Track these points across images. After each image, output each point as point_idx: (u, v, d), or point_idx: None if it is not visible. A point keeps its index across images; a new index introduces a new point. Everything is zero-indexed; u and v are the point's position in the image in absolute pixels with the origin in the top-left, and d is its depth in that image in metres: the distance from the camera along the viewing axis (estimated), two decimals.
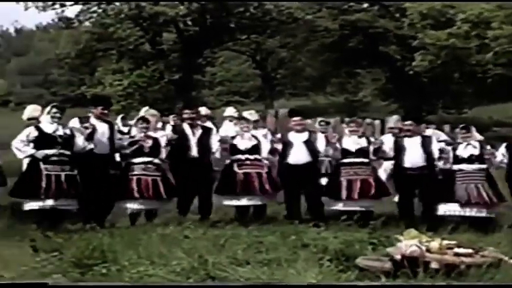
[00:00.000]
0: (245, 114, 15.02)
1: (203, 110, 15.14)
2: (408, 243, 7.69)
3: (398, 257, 7.53)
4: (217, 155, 12.01)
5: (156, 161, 11.48)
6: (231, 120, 15.14)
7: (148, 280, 7.06)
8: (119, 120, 14.17)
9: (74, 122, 11.27)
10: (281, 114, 18.57)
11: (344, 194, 11.55)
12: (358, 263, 7.59)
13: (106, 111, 11.46)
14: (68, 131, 10.87)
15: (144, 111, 13.84)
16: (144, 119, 11.87)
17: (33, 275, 7.28)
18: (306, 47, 41.01)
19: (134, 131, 11.93)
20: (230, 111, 15.87)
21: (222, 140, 12.02)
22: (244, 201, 11.63)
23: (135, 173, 11.26)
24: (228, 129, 14.18)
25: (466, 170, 11.52)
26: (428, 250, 7.63)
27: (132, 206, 11.26)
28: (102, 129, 11.22)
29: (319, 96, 49.50)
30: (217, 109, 30.76)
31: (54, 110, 10.93)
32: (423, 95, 35.70)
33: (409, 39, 33.54)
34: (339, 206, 11.63)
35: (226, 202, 11.79)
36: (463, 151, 11.66)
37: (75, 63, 43.21)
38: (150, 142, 11.50)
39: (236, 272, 7.21)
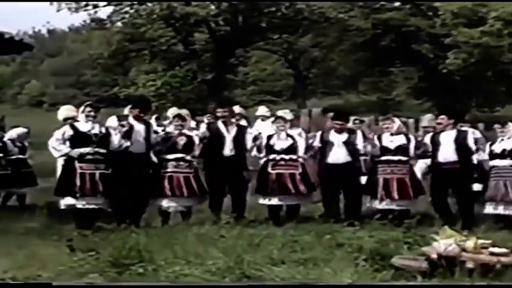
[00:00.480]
0: (280, 113, 15.01)
1: (237, 109, 15.16)
2: (444, 242, 7.64)
3: (434, 256, 7.49)
4: (252, 153, 11.99)
5: (188, 158, 11.45)
6: (263, 120, 15.14)
7: (184, 280, 7.10)
8: (153, 120, 14.21)
9: (112, 121, 11.23)
10: (314, 114, 18.45)
11: (381, 192, 11.52)
12: (393, 263, 7.56)
13: (143, 114, 11.42)
14: (103, 130, 10.89)
15: (170, 112, 13.88)
16: (180, 117, 11.86)
17: (70, 274, 7.33)
18: (338, 46, 40.93)
19: (170, 128, 11.92)
20: (262, 110, 15.88)
21: (256, 138, 12.01)
22: (275, 201, 11.58)
23: (168, 170, 11.27)
24: (260, 128, 14.18)
25: (498, 165, 11.41)
26: (463, 249, 7.58)
27: (165, 204, 11.26)
28: (139, 128, 11.18)
29: (351, 95, 49.36)
30: (249, 108, 30.72)
31: (89, 108, 10.95)
32: (456, 93, 35.44)
33: (442, 38, 33.36)
34: (377, 205, 11.59)
35: (261, 201, 11.78)
36: (497, 146, 11.54)
37: (108, 64, 43.46)
38: (184, 139, 11.48)
39: (272, 272, 7.22)
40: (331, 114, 13.20)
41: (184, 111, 13.57)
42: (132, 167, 10.93)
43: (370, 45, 38.67)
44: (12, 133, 15.59)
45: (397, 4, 39.12)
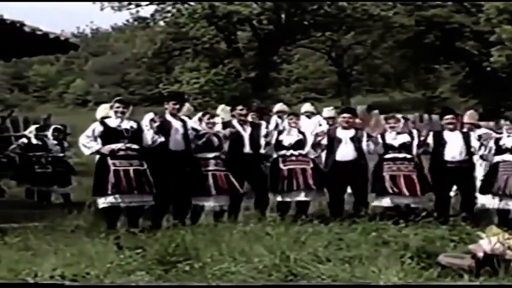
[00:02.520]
0: (324, 111, 15.08)
1: (279, 107, 15.23)
2: (490, 240, 7.58)
3: (480, 254, 7.44)
4: (263, 150, 11.96)
5: (223, 156, 11.45)
6: (308, 116, 15.12)
7: (230, 277, 7.13)
8: (196, 118, 14.27)
9: (148, 118, 11.11)
10: (359, 111, 18.42)
11: (390, 189, 11.49)
12: (440, 261, 7.53)
13: (178, 106, 11.33)
14: (134, 125, 10.72)
15: (220, 109, 13.92)
16: (210, 114, 11.87)
17: (117, 272, 7.35)
18: (381, 43, 40.81)
19: (197, 125, 11.86)
20: (307, 107, 15.87)
21: (267, 135, 11.99)
22: (288, 198, 11.61)
23: (210, 168, 11.20)
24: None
25: (509, 160, 11.38)
26: (509, 247, 7.52)
27: (206, 203, 11.18)
28: (177, 125, 11.12)
29: (396, 92, 49.07)
30: (293, 106, 30.70)
31: (117, 104, 10.75)
32: (501, 90, 35.07)
33: (486, 35, 33.02)
34: (385, 202, 11.56)
35: (277, 198, 11.75)
36: (506, 140, 11.50)
37: (152, 63, 43.81)
38: (215, 137, 11.46)
39: (317, 269, 7.22)
40: (376, 112, 13.21)
41: (227, 109, 13.65)
42: (171, 164, 10.86)
43: (413, 42, 38.46)
44: (28, 131, 15.86)
45: (440, 1, 38.80)
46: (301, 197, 11.61)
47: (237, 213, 11.38)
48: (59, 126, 15.48)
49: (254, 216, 10.62)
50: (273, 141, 11.93)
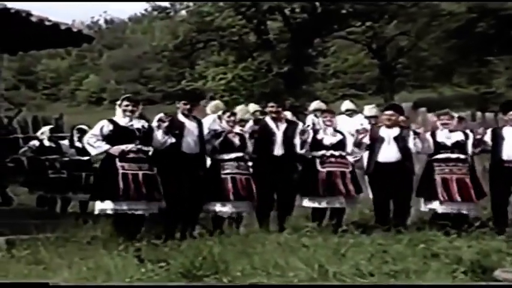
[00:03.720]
0: (365, 109, 15.06)
1: (316, 104, 15.25)
2: None
3: None
4: (298, 149, 11.92)
5: (247, 157, 11.53)
6: (349, 115, 15.13)
7: None
8: (221, 115, 14.28)
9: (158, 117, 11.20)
10: (404, 109, 18.37)
11: (441, 194, 11.40)
12: (496, 276, 7.49)
13: (188, 106, 11.34)
14: (145, 125, 10.78)
15: (251, 108, 13.95)
16: (230, 112, 11.87)
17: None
18: (428, 33, 40.57)
19: (215, 125, 11.85)
20: (348, 105, 15.85)
21: (303, 132, 11.93)
22: (325, 204, 11.57)
23: (228, 171, 11.26)
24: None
25: None
26: None
27: (222, 209, 11.24)
28: (190, 126, 11.21)
29: (445, 87, 48.78)
30: (331, 103, 30.65)
31: (126, 102, 10.75)
32: None
33: None
34: (436, 208, 11.48)
35: (306, 203, 11.74)
36: None
37: (173, 56, 43.90)
38: (237, 136, 11.52)
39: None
40: (423, 109, 13.15)
41: (256, 107, 13.66)
42: (184, 168, 10.94)
43: (464, 31, 38.20)
44: (40, 132, 15.90)
45: None
46: (340, 203, 11.61)
47: (268, 221, 11.37)
48: (83, 127, 15.55)
49: (288, 225, 10.59)
50: (309, 140, 11.88)
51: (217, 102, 14.11)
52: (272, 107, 11.96)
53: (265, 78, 38.67)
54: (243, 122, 12.55)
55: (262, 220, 11.40)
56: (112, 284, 7.34)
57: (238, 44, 40.60)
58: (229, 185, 11.13)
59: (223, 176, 11.21)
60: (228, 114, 11.74)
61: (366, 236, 9.87)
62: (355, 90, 52.09)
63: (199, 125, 11.39)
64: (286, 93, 34.79)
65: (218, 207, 11.23)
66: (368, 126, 13.26)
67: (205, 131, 11.53)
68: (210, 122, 12.03)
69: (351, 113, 15.34)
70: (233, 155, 11.33)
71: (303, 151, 11.88)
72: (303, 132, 11.93)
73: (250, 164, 11.73)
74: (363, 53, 51.78)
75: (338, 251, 8.59)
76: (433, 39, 40.96)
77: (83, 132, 15.47)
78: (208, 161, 11.60)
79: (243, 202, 11.29)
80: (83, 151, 15.14)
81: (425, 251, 8.63)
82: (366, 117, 14.78)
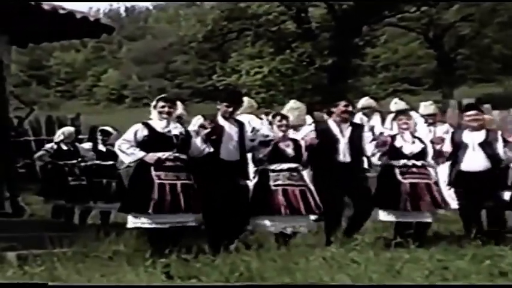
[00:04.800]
0: (421, 106, 14.93)
1: (364, 101, 15.27)
2: None
3: None
4: (375, 158, 11.88)
5: (300, 167, 11.40)
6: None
7: None
8: (263, 116, 14.25)
9: (197, 121, 11.19)
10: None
11: None
12: None
13: (231, 109, 11.24)
14: (183, 131, 10.74)
15: (290, 106, 13.97)
16: (281, 116, 11.81)
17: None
18: (493, 19, 40.36)
19: (266, 130, 11.80)
20: (398, 104, 15.75)
21: (377, 138, 11.77)
22: (411, 218, 11.36)
23: (279, 182, 11.14)
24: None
25: None
26: None
27: (272, 224, 11.10)
28: (230, 130, 11.11)
29: None
30: (381, 100, 30.60)
31: (161, 103, 10.70)
32: None
33: None
34: None
35: (386, 217, 11.69)
36: None
37: (202, 48, 43.94)
38: (291, 144, 11.42)
39: None
40: (487, 106, 13.06)
41: (299, 105, 13.66)
42: (223, 176, 10.87)
43: None
44: (60, 133, 15.90)
45: None
46: (426, 217, 11.48)
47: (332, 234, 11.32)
48: (108, 128, 15.56)
49: (336, 239, 10.59)
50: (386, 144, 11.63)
51: (249, 99, 14.03)
52: (346, 106, 11.75)
53: (306, 72, 38.67)
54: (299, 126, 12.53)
55: (332, 235, 11.31)
56: (112, 284, 7.37)
57: (276, 33, 40.66)
58: (280, 197, 11.03)
59: (274, 187, 11.12)
60: (278, 117, 11.62)
61: (423, 250, 9.87)
62: (408, 84, 52.08)
63: (241, 129, 11.28)
64: (330, 89, 34.75)
65: (267, 222, 11.12)
66: (424, 127, 13.17)
67: (249, 135, 11.45)
68: (256, 126, 11.99)
69: (402, 112, 15.24)
70: (285, 166, 11.22)
71: (375, 158, 11.82)
72: (380, 142, 11.66)
73: (305, 173, 11.69)
74: (417, 42, 51.73)
75: (392, 267, 8.60)
76: (498, 26, 40.75)
77: (106, 134, 15.56)
78: (252, 169, 11.59)
79: (297, 217, 11.11)
80: (106, 155, 15.32)
81: (491, 268, 8.61)
82: (422, 115, 14.67)
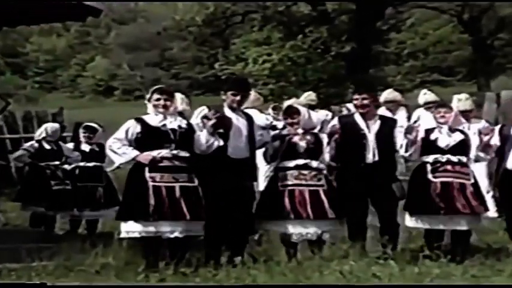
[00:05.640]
0: (454, 100, 14.81)
1: (388, 94, 15.27)
2: None
3: None
4: (402, 152, 11.71)
5: (315, 164, 11.27)
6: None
7: None
8: (269, 111, 14.29)
9: (200, 113, 11.10)
10: (504, 99, 18.33)
11: None
12: None
13: (239, 98, 11.15)
14: (183, 124, 10.63)
15: (304, 97, 14.02)
16: (293, 109, 11.73)
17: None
18: None
19: (280, 123, 11.82)
20: (427, 96, 15.72)
21: (409, 131, 11.57)
22: (441, 225, 11.32)
23: (288, 182, 11.10)
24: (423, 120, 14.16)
25: None
26: None
27: (290, 229, 11.05)
28: (239, 124, 11.02)
29: None
30: (407, 93, 30.61)
31: (156, 95, 10.62)
32: None
33: None
34: None
35: (412, 223, 11.64)
36: None
37: (202, 33, 43.91)
38: (305, 139, 11.33)
39: None
40: None
41: (312, 97, 13.72)
42: (230, 177, 10.78)
43: None
44: (42, 130, 15.79)
45: None
46: (461, 224, 11.36)
47: (364, 244, 11.22)
48: (92, 125, 15.52)
49: (353, 251, 10.58)
50: (419, 139, 11.45)
51: (254, 92, 14.02)
52: (362, 99, 11.56)
53: (321, 60, 38.61)
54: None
55: (353, 240, 11.26)
56: (112, 284, 7.40)
57: (287, 16, 40.64)
58: (286, 199, 10.96)
59: (281, 188, 11.07)
60: (290, 110, 11.57)
61: (455, 265, 9.89)
62: (438, 75, 52.02)
63: (250, 123, 11.24)
64: (349, 80, 34.73)
65: (283, 227, 11.08)
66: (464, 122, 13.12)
67: (259, 130, 11.45)
68: (265, 120, 11.99)
69: (432, 106, 15.15)
70: (293, 163, 11.15)
71: (407, 154, 11.60)
72: (410, 128, 11.49)
73: (324, 173, 11.65)
74: (450, 26, 51.63)
75: (420, 282, 8.64)
76: None
77: (91, 132, 15.52)
78: (264, 168, 11.60)
79: (320, 221, 11.01)
80: (89, 156, 15.31)
81: None
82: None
